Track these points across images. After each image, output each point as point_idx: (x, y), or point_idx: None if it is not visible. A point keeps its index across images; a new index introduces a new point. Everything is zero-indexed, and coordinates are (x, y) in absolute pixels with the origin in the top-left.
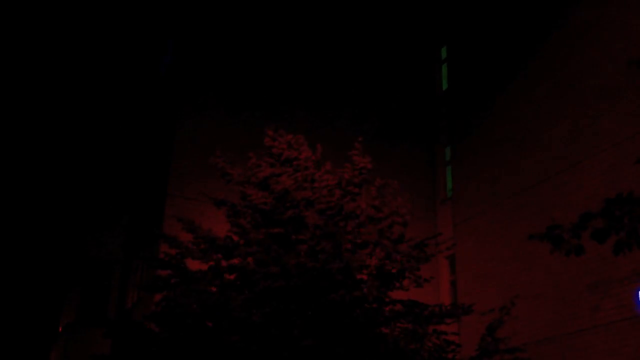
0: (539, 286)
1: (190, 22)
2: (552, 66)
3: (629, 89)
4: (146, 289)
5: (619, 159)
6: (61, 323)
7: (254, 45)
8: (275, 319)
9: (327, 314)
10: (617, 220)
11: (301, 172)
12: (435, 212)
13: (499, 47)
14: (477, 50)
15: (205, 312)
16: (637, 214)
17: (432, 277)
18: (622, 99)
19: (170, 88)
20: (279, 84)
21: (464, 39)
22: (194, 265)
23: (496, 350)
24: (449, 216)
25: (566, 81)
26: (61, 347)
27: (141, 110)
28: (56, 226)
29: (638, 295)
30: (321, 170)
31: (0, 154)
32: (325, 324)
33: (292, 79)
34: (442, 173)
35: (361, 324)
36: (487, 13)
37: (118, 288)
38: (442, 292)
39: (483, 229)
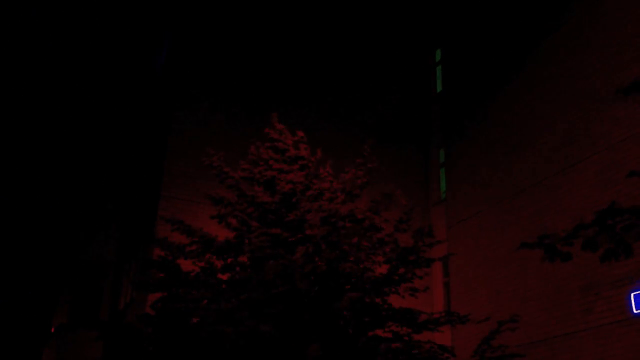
0: (531, 288)
1: (185, 22)
2: (546, 69)
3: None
4: (139, 288)
5: (611, 162)
6: (54, 324)
7: (250, 48)
8: (276, 323)
9: (324, 317)
10: (609, 230)
11: (306, 171)
12: (429, 214)
13: (493, 50)
14: (472, 52)
15: (198, 317)
16: (628, 223)
17: (426, 287)
18: (615, 102)
19: (164, 88)
20: (273, 85)
21: (459, 42)
22: (187, 265)
23: (491, 356)
24: (443, 218)
25: (560, 84)
26: (53, 348)
27: (135, 111)
28: (49, 227)
29: (630, 297)
30: (325, 173)
31: None
32: (321, 328)
33: (287, 80)
34: (435, 175)
35: (354, 327)
36: (482, 16)
37: (111, 289)
38: (435, 294)
39: (476, 231)
